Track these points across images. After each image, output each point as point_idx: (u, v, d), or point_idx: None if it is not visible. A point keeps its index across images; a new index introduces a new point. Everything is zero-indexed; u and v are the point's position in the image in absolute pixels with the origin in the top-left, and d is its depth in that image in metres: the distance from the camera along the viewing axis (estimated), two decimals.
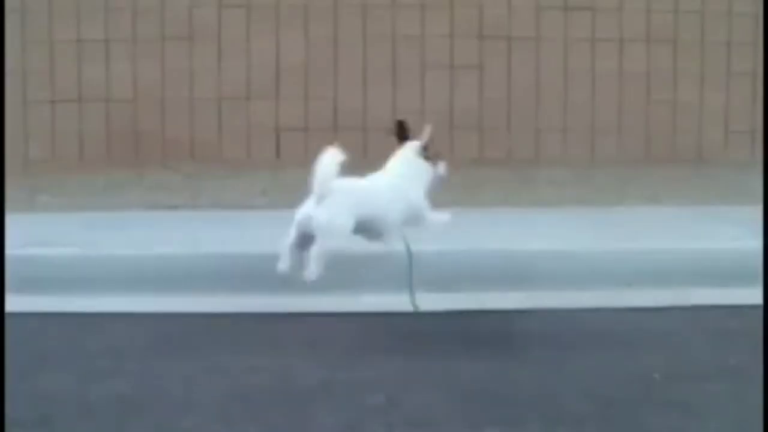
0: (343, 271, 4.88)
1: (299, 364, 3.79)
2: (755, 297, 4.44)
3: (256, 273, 4.85)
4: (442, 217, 4.76)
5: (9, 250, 4.75)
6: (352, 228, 4.42)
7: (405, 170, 4.74)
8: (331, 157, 4.30)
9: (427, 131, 4.76)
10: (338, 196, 4.33)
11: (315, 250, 4.29)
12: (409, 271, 4.87)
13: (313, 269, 4.30)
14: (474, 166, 7.23)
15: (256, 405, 3.36)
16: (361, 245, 5.08)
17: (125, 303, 4.61)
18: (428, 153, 4.77)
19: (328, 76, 7.51)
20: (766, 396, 3.27)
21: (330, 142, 4.39)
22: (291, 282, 4.80)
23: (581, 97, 7.60)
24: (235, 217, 5.96)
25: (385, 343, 4.11)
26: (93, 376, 3.65)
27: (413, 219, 4.71)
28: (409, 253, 4.93)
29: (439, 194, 6.59)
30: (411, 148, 4.78)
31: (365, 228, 4.52)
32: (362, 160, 6.61)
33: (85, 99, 7.43)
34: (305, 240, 4.34)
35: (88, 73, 7.40)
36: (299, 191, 6.23)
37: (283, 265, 4.39)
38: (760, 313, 4.23)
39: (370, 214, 4.50)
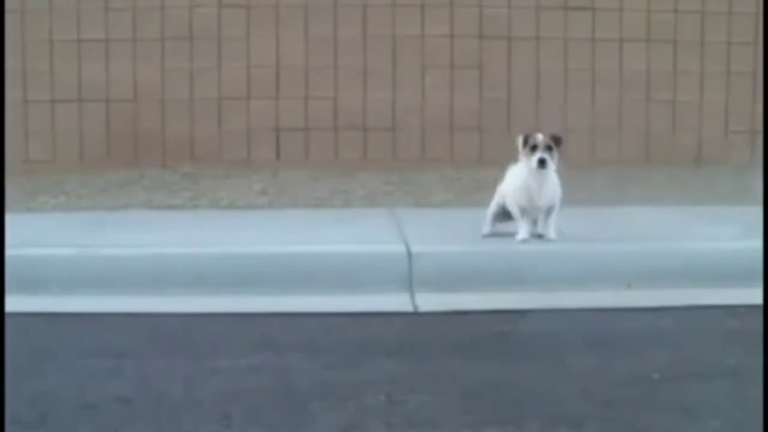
0: (343, 271, 4.89)
1: (299, 364, 3.79)
2: (755, 297, 4.44)
3: (256, 273, 4.85)
4: None
5: (9, 250, 4.76)
6: None
7: None
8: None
9: None
10: None
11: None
12: (409, 271, 4.86)
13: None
14: (474, 166, 7.22)
15: (256, 405, 3.36)
16: (361, 245, 5.08)
17: (125, 303, 4.61)
18: None
19: (328, 76, 7.51)
20: (766, 396, 3.27)
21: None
22: (290, 282, 4.81)
23: (581, 97, 7.60)
24: (235, 217, 5.96)
25: (385, 344, 4.11)
26: (93, 376, 3.65)
27: None
28: (409, 253, 4.93)
29: (439, 194, 6.61)
30: None
31: None
32: (362, 160, 6.62)
33: (85, 99, 7.43)
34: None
35: (88, 73, 7.41)
36: (299, 191, 6.20)
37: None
38: (760, 313, 4.23)
39: None
